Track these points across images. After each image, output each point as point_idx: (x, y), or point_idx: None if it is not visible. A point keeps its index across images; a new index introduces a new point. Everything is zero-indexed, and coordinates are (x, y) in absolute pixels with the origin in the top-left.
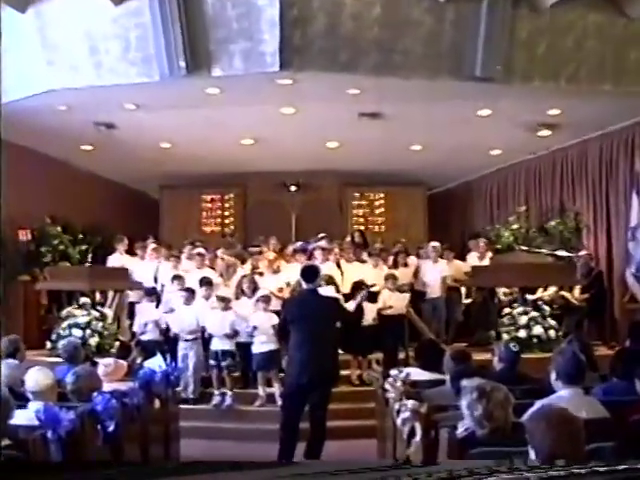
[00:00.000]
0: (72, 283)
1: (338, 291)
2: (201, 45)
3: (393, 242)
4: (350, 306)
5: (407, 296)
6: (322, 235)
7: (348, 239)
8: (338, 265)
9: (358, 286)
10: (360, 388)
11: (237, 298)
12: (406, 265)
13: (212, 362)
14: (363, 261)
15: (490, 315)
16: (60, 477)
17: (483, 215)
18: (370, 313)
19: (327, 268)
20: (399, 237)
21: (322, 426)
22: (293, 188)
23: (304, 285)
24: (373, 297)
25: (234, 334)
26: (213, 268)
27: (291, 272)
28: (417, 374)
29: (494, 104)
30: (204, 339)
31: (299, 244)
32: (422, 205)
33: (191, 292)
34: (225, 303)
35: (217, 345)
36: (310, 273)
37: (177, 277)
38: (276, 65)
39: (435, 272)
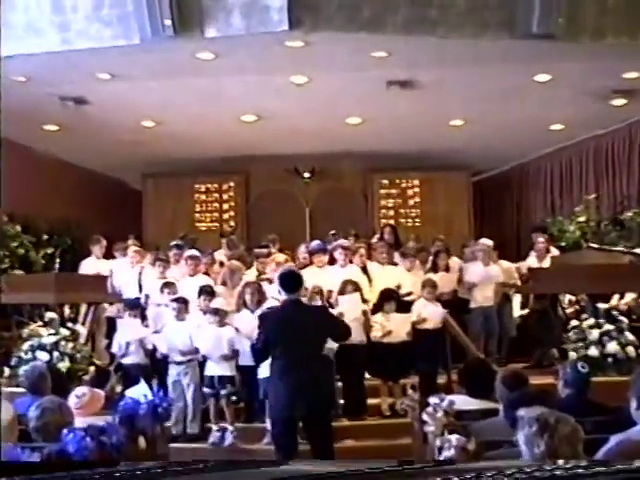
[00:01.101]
0: (35, 295)
1: (364, 300)
2: None
3: (431, 240)
4: (377, 318)
5: (443, 311)
6: (334, 232)
7: (376, 237)
8: (364, 269)
9: (388, 295)
10: (392, 420)
11: (238, 310)
12: (448, 269)
13: (208, 390)
14: (395, 264)
15: (552, 329)
16: None
17: (542, 205)
18: (402, 327)
19: (350, 272)
20: (438, 233)
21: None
22: (307, 175)
23: (283, 295)
24: (405, 308)
25: (234, 355)
26: (208, 274)
27: (306, 278)
28: (462, 402)
29: (555, 67)
30: (199, 362)
31: (315, 244)
32: (466, 194)
33: (184, 303)
34: (220, 317)
35: (213, 369)
36: (291, 280)
37: (167, 285)
38: (284, 23)
39: (486, 277)
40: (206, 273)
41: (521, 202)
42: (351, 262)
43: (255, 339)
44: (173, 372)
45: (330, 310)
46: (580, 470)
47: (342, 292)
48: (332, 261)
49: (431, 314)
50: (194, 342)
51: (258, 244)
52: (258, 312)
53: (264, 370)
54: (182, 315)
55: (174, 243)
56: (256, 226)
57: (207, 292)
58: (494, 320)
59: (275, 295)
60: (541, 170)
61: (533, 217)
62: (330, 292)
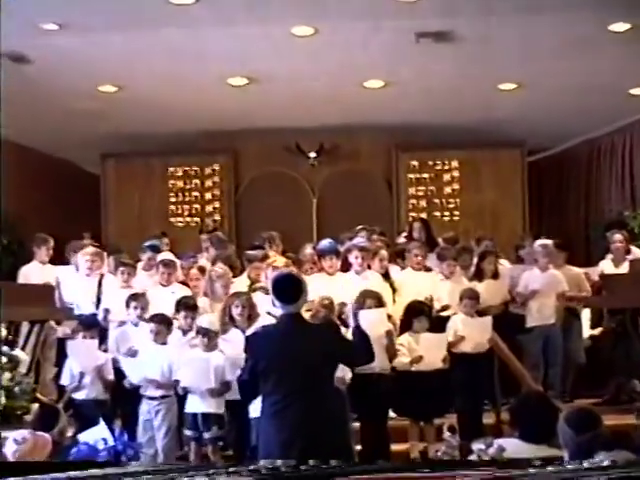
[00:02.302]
0: None
1: (389, 317)
2: None
3: (475, 238)
4: (403, 340)
5: (489, 324)
6: (361, 227)
7: (403, 234)
8: (386, 275)
9: (418, 309)
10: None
11: (224, 331)
12: (496, 275)
13: (188, 433)
14: (428, 269)
15: (632, 354)
16: None
17: (619, 193)
18: (437, 351)
19: (369, 281)
20: (484, 230)
21: None
22: (313, 155)
23: (278, 308)
24: (441, 326)
25: (224, 388)
26: (186, 284)
27: (313, 287)
28: (515, 448)
29: (636, 13)
30: (179, 397)
31: (324, 243)
32: (519, 179)
33: (164, 323)
34: (210, 339)
35: (196, 406)
36: (288, 287)
37: (135, 297)
38: None
39: (546, 285)
40: (183, 282)
41: (591, 189)
42: (369, 267)
43: (241, 368)
44: (144, 409)
45: (341, 328)
46: None
47: (360, 306)
48: (346, 266)
49: (473, 334)
50: (174, 372)
51: (250, 244)
52: (251, 330)
53: (257, 408)
54: (162, 338)
55: (148, 244)
56: (248, 221)
57: (188, 306)
58: (557, 343)
59: (272, 309)
60: (617, 148)
61: (607, 209)
62: (343, 305)
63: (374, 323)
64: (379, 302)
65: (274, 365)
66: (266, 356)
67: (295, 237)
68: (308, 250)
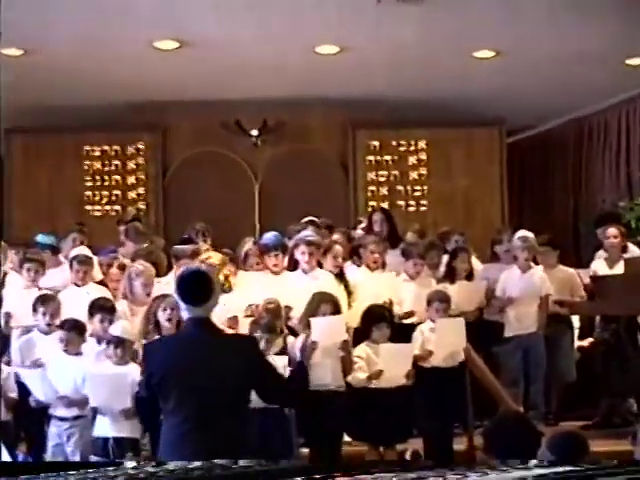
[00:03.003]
0: None
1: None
2: None
3: (443, 232)
4: (360, 352)
5: (463, 329)
6: (308, 219)
7: (360, 227)
8: (341, 275)
9: (378, 315)
10: None
11: (146, 339)
12: (470, 276)
13: (96, 459)
14: (388, 267)
15: (628, 369)
16: None
17: (614, 181)
18: (400, 365)
19: (319, 280)
20: (455, 223)
21: None
22: (255, 133)
23: (184, 311)
24: (405, 335)
25: None
26: (105, 284)
27: (253, 289)
28: (491, 478)
29: None
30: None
31: (269, 237)
32: (497, 163)
33: (76, 329)
34: (124, 350)
35: (106, 429)
36: (195, 286)
37: (44, 299)
38: None
39: (526, 288)
40: (102, 282)
41: (581, 176)
42: (320, 266)
43: (138, 383)
44: (54, 432)
45: (289, 338)
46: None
47: (314, 312)
48: (293, 264)
49: (445, 342)
50: (87, 387)
51: (180, 237)
52: None
53: None
54: (74, 347)
55: (39, 239)
56: (178, 210)
57: (104, 309)
58: (539, 355)
59: (215, 314)
60: (611, 128)
61: (599, 199)
62: (288, 309)
63: (331, 332)
64: (335, 307)
65: (171, 381)
66: (162, 369)
67: (234, 229)
68: (249, 245)
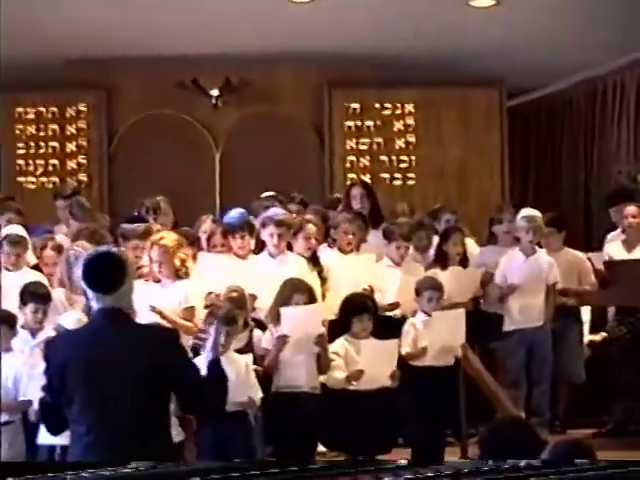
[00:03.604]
0: None
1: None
2: None
3: (434, 210)
4: (337, 348)
5: (461, 327)
6: (271, 194)
7: (338, 204)
8: (314, 259)
9: (359, 306)
10: None
11: None
12: (465, 261)
13: None
14: (369, 250)
15: None
16: None
17: (629, 149)
18: (383, 364)
19: (288, 265)
20: (448, 199)
21: None
22: (216, 93)
23: (92, 301)
24: (389, 330)
25: None
26: (39, 269)
27: (214, 274)
28: None
29: None
30: (27, 424)
31: (234, 215)
32: (496, 129)
33: (7, 322)
34: None
35: (47, 436)
36: (104, 271)
37: None
38: None
39: (531, 274)
40: (36, 266)
41: (593, 145)
42: (290, 248)
43: (41, 388)
44: None
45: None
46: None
47: (285, 302)
48: (259, 246)
49: (439, 342)
50: (20, 390)
51: (130, 214)
52: None
53: None
54: (4, 342)
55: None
56: (126, 183)
57: (38, 296)
58: (545, 353)
59: (157, 303)
60: (629, 89)
61: (615, 171)
62: (253, 299)
63: (304, 325)
64: (310, 297)
65: (73, 383)
66: (62, 369)
67: (191, 205)
68: (207, 224)
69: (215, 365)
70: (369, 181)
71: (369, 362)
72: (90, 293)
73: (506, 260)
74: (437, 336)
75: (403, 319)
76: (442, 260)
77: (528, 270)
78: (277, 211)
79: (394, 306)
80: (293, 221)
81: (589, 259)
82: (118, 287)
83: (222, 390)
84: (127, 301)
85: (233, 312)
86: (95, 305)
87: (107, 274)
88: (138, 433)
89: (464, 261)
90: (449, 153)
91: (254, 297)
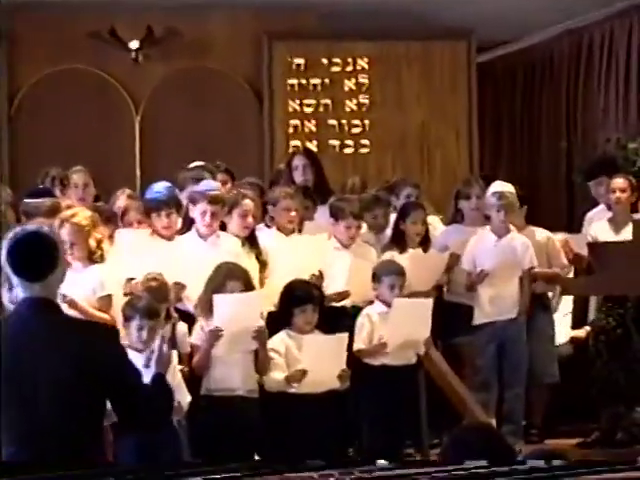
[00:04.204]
0: None
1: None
2: None
3: (391, 183)
4: (277, 344)
5: (427, 319)
6: (198, 165)
7: (279, 175)
8: (252, 240)
9: (303, 294)
10: None
11: None
12: (426, 242)
13: None
14: (316, 230)
15: (637, 368)
16: None
17: (618, 113)
18: (331, 364)
19: (220, 248)
20: (407, 170)
21: None
22: (135, 45)
23: (17, 289)
24: (337, 323)
25: None
26: None
27: (135, 258)
28: None
29: None
30: None
31: (158, 188)
32: (464, 89)
33: None
34: None
35: None
36: (30, 255)
37: None
38: None
39: (504, 259)
40: None
41: (576, 107)
42: (222, 228)
43: None
44: None
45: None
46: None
47: (217, 290)
48: (188, 225)
49: (400, 336)
50: None
51: (34, 187)
52: None
53: None
54: None
55: None
56: (30, 150)
57: None
58: (521, 350)
59: (74, 292)
60: (619, 42)
61: (602, 138)
62: (181, 288)
63: (241, 316)
64: (247, 284)
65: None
66: None
67: (107, 177)
68: (123, 199)
69: (160, 380)
70: (315, 149)
71: (314, 360)
72: (14, 280)
73: (475, 242)
74: (398, 329)
75: (354, 310)
76: (400, 241)
77: (500, 253)
78: (210, 184)
79: (343, 295)
80: (228, 197)
81: (567, 241)
82: (48, 274)
83: (167, 405)
84: (56, 291)
85: (154, 304)
86: (20, 294)
87: (36, 258)
88: (65, 445)
89: (425, 243)
90: (409, 117)
91: (181, 286)
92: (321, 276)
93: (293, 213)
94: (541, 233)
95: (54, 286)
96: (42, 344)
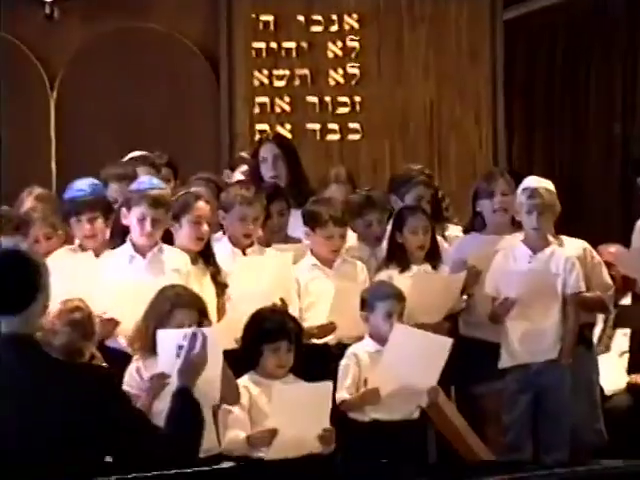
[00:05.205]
0: None
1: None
2: None
3: (394, 177)
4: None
5: (438, 358)
6: (135, 155)
7: (240, 169)
8: (206, 255)
9: (273, 325)
10: None
11: None
12: (434, 256)
13: None
14: (291, 240)
15: None
16: None
17: None
18: (311, 419)
19: (166, 267)
20: (413, 161)
21: None
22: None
23: None
24: (323, 364)
25: None
26: None
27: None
28: None
29: None
30: None
31: (79, 187)
32: (487, 53)
33: None
34: None
35: None
36: (5, 281)
37: None
38: None
39: (541, 280)
40: None
41: (636, 81)
42: (169, 241)
43: None
44: None
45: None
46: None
47: (160, 322)
48: (120, 235)
49: (399, 381)
50: None
51: None
52: None
53: None
54: None
55: None
56: None
57: None
58: (563, 402)
59: None
60: None
61: None
62: (113, 322)
63: (194, 357)
64: (202, 312)
65: None
66: None
67: (15, 172)
68: (30, 201)
69: (184, 397)
70: (289, 135)
71: (287, 416)
72: None
73: (501, 257)
74: (395, 373)
75: (340, 348)
76: (399, 257)
77: (536, 273)
78: (151, 182)
79: (326, 329)
80: (175, 198)
81: (615, 254)
82: (27, 304)
83: (193, 435)
84: (38, 324)
85: (76, 342)
86: None
87: (11, 286)
88: None
89: (434, 258)
90: (414, 93)
91: (113, 321)
92: (284, 304)
93: (251, 226)
94: (574, 244)
95: (33, 319)
96: (15, 388)
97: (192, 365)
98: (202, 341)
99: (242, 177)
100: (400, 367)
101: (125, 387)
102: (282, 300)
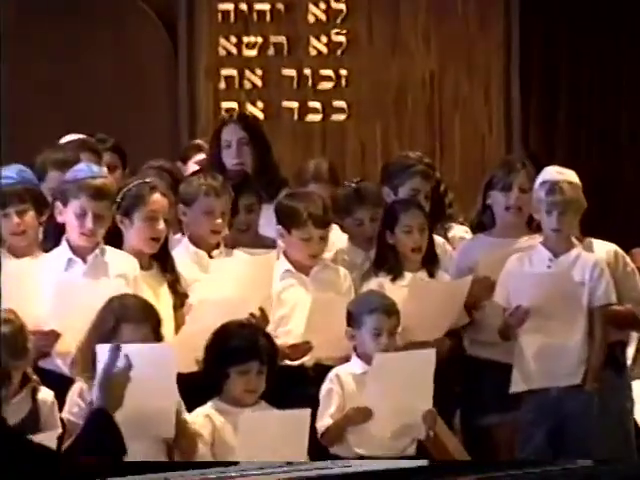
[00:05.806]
0: None
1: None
2: None
3: (386, 166)
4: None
5: (428, 383)
6: (74, 139)
7: (198, 157)
8: (163, 259)
9: (241, 345)
10: None
11: None
12: (433, 260)
13: None
14: (264, 240)
15: None
16: None
17: None
18: (279, 454)
19: (112, 271)
20: (407, 148)
21: None
22: None
23: None
24: (300, 389)
25: None
26: None
27: None
28: None
29: None
30: None
31: (7, 175)
32: (498, 21)
33: None
34: None
35: None
36: None
37: None
38: None
39: (563, 289)
40: None
41: None
42: (115, 241)
43: None
44: None
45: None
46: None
47: (107, 336)
48: (55, 234)
49: (390, 409)
50: None
51: None
52: None
53: None
54: None
55: None
56: None
57: None
58: (584, 433)
59: None
60: None
61: None
62: (52, 336)
63: (145, 380)
64: (155, 327)
65: None
66: None
67: None
68: None
69: (98, 424)
70: (260, 114)
71: (257, 450)
72: None
73: (515, 262)
74: (384, 400)
75: (319, 371)
76: (390, 262)
77: (557, 281)
78: (90, 169)
79: (302, 349)
80: (124, 190)
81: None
82: None
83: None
84: None
85: (5, 362)
86: None
87: None
88: None
89: (432, 262)
90: (412, 65)
91: (54, 334)
92: (264, 317)
93: (219, 220)
94: (604, 247)
95: None
96: None
97: (109, 384)
98: (126, 358)
99: (197, 168)
100: (390, 395)
101: (65, 415)
102: (262, 310)
